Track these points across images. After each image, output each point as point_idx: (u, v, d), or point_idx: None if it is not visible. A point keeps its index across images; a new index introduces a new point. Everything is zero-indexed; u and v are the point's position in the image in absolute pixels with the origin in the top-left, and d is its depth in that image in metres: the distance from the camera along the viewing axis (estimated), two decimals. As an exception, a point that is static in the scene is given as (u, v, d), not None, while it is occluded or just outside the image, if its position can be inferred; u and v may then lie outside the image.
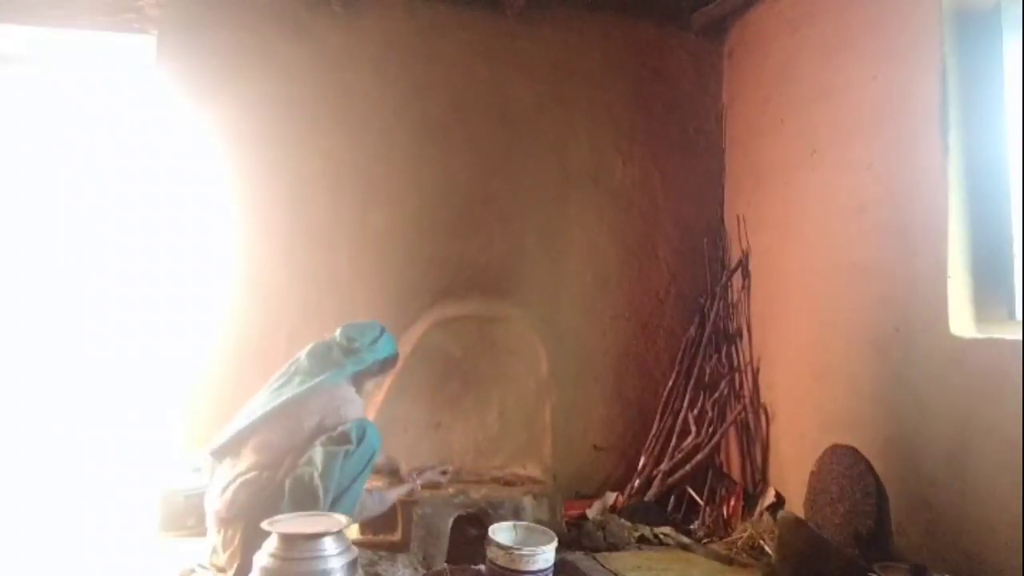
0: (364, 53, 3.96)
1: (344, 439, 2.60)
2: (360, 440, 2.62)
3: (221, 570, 2.61)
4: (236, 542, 2.54)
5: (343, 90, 3.92)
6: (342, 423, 2.67)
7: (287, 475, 2.57)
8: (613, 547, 3.24)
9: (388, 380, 3.76)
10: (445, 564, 2.89)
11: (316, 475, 2.51)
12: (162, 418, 3.62)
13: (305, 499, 2.48)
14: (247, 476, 2.59)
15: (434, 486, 3.19)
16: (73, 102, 3.83)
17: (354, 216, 3.90)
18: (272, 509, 2.43)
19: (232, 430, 2.72)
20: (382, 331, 3.02)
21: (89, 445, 3.62)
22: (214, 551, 2.64)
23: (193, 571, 2.67)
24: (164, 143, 3.70)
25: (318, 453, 2.56)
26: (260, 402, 2.77)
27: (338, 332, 2.97)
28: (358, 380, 2.97)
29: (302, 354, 2.91)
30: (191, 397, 3.61)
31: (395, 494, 2.97)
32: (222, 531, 2.60)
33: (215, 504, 2.62)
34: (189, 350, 3.65)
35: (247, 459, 2.63)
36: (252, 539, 2.35)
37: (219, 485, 2.64)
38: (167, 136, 3.70)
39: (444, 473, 3.27)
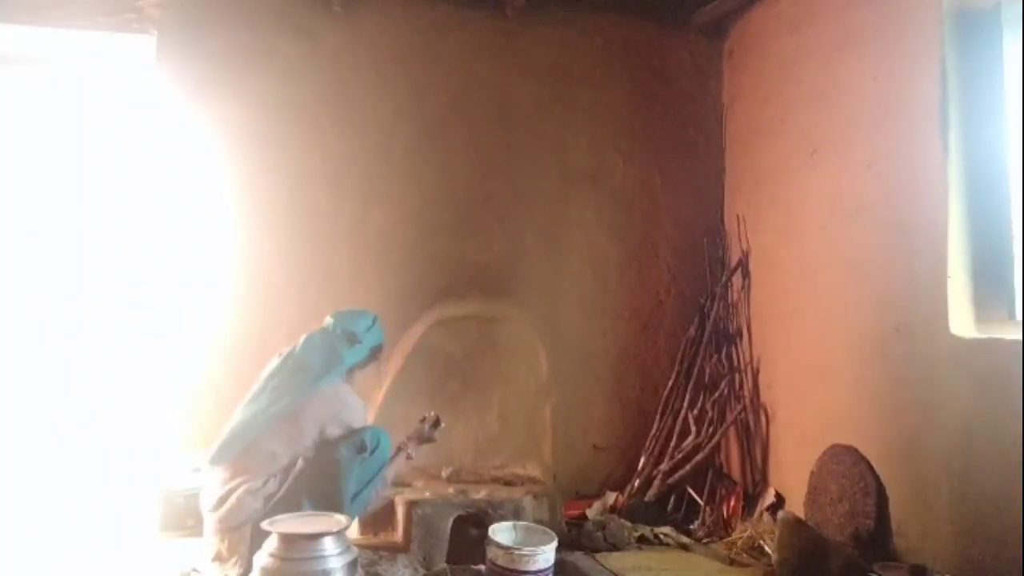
0: (364, 53, 3.96)
1: (362, 447, 2.69)
2: (375, 449, 2.74)
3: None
4: (242, 549, 2.53)
5: (343, 90, 3.92)
6: (345, 430, 2.75)
7: (303, 480, 2.62)
8: (613, 547, 3.24)
9: (388, 379, 3.79)
10: (445, 564, 2.90)
11: (339, 484, 2.61)
12: (162, 418, 3.62)
13: (332, 504, 2.58)
14: (250, 484, 2.58)
15: (429, 441, 3.11)
16: (73, 102, 3.83)
17: (354, 216, 3.90)
18: (286, 509, 2.50)
19: (230, 434, 2.68)
20: (375, 319, 3.03)
21: (89, 445, 3.62)
22: (217, 556, 2.62)
23: (191, 573, 2.66)
24: (164, 143, 3.70)
25: (340, 461, 2.65)
26: (258, 404, 2.74)
27: (331, 320, 2.96)
28: (351, 373, 2.96)
29: (297, 347, 2.87)
30: (191, 397, 3.61)
31: (392, 471, 2.97)
32: (226, 539, 2.59)
33: (217, 512, 2.59)
34: (189, 350, 3.65)
35: (247, 466, 2.61)
36: (259, 545, 2.36)
37: (217, 492, 2.62)
38: (167, 136, 3.70)
39: (435, 426, 3.12)
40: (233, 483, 2.60)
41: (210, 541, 2.64)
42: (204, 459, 2.72)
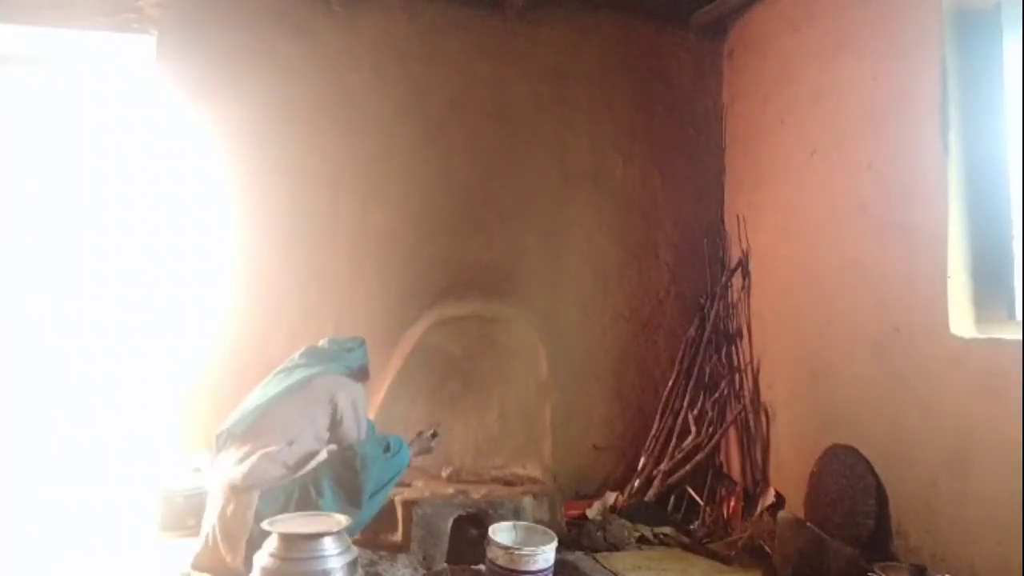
0: (364, 53, 3.96)
1: (387, 448, 2.86)
2: (396, 453, 2.88)
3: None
4: (249, 515, 2.55)
5: (343, 90, 3.92)
6: (352, 401, 2.89)
7: (326, 469, 2.69)
8: (613, 547, 3.24)
9: (388, 379, 3.81)
10: (445, 564, 2.90)
11: (362, 477, 2.71)
12: (162, 418, 3.62)
13: (351, 495, 2.69)
14: (268, 449, 2.64)
15: (426, 452, 3.24)
16: (73, 102, 3.83)
17: (354, 216, 3.90)
18: (303, 490, 2.61)
19: (240, 414, 2.77)
20: (362, 341, 3.23)
21: (89, 445, 3.62)
22: (220, 517, 2.61)
23: (190, 573, 2.65)
24: (164, 143, 3.70)
25: (365, 456, 2.76)
26: (267, 389, 2.86)
27: (325, 343, 3.14)
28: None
29: (296, 355, 3.04)
30: (191, 397, 3.61)
31: None
32: (233, 500, 2.59)
33: (230, 474, 2.61)
34: (189, 350, 3.65)
35: (261, 436, 2.69)
36: (267, 509, 2.46)
37: (232, 460, 2.66)
38: (167, 136, 3.70)
39: (433, 436, 3.28)
40: (247, 449, 2.66)
41: (215, 505, 2.63)
42: (216, 439, 2.78)
